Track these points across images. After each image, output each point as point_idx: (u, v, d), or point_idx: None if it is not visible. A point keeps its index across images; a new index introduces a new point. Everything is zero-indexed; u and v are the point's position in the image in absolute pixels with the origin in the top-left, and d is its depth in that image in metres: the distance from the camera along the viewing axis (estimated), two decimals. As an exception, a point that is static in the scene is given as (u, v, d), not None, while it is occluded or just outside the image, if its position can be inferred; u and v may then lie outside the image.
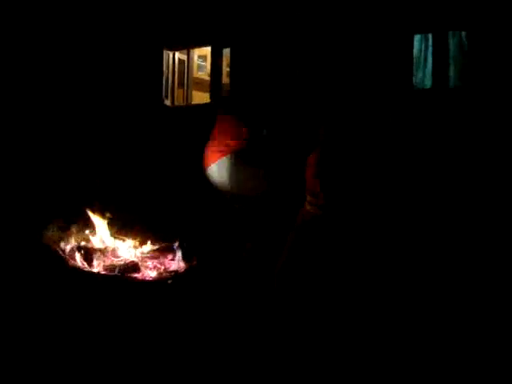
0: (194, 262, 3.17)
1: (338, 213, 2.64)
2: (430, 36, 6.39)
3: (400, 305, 3.26)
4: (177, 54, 9.11)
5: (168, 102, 9.17)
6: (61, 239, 3.24)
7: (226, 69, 8.44)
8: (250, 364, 2.58)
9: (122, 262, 3.10)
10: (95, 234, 3.35)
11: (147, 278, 3.05)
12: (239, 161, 3.33)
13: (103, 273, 3.04)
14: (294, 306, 2.67)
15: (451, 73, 6.27)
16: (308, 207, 2.73)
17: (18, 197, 4.63)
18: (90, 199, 3.55)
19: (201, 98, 9.27)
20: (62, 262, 3.06)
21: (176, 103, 9.20)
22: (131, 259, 3.17)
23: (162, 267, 3.18)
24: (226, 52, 8.31)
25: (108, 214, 3.43)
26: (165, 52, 8.93)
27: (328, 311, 2.64)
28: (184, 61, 9.31)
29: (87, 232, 3.38)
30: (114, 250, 3.22)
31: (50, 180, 5.19)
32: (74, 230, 3.36)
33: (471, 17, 5.80)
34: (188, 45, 8.91)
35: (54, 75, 6.88)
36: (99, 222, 3.38)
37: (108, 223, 3.42)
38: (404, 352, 2.76)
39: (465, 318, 3.18)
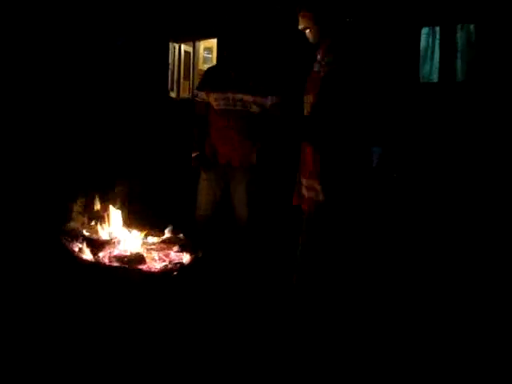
0: (200, 254, 3.17)
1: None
2: (437, 29, 6.34)
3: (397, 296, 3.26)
4: (183, 46, 9.08)
5: (173, 94, 9.16)
6: (68, 229, 3.24)
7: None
8: (254, 356, 2.59)
9: (128, 254, 3.10)
10: (104, 224, 3.35)
11: (152, 270, 3.05)
12: None
13: (108, 264, 3.04)
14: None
15: (458, 67, 6.23)
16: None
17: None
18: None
19: (206, 90, 9.23)
20: (67, 252, 3.06)
21: (182, 95, 9.19)
22: (137, 251, 3.16)
23: (168, 259, 3.18)
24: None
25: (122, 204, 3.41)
26: (170, 44, 8.90)
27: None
28: (190, 53, 9.28)
29: (93, 223, 3.37)
30: (119, 242, 3.22)
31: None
32: (81, 219, 3.36)
33: (480, 9, 5.75)
34: (194, 37, 8.88)
35: (68, 68, 6.95)
36: (114, 212, 3.36)
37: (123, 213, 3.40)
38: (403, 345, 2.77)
39: (463, 308, 3.19)
